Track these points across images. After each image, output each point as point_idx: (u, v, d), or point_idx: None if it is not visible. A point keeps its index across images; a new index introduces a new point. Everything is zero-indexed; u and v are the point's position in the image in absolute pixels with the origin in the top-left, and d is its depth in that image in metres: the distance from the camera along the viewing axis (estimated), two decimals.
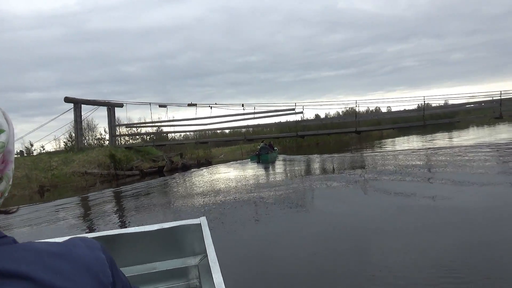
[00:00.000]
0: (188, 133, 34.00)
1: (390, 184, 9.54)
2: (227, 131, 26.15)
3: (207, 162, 26.00)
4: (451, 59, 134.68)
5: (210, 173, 19.72)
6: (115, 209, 10.38)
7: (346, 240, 5.10)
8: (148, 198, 11.53)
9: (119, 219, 8.56)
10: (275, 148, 25.27)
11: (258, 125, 23.37)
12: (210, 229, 1.59)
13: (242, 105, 22.40)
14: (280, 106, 22.29)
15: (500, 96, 18.14)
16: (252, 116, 22.47)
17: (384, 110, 24.24)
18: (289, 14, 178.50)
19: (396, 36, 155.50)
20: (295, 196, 9.01)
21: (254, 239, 5.54)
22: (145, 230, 1.58)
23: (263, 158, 21.29)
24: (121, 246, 1.57)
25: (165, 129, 26.29)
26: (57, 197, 14.23)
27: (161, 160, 24.78)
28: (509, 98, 19.14)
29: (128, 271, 1.57)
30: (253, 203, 8.63)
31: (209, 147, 34.97)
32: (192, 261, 1.71)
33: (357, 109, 20.47)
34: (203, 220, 1.69)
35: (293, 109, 21.33)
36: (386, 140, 33.86)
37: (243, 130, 24.25)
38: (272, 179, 13.55)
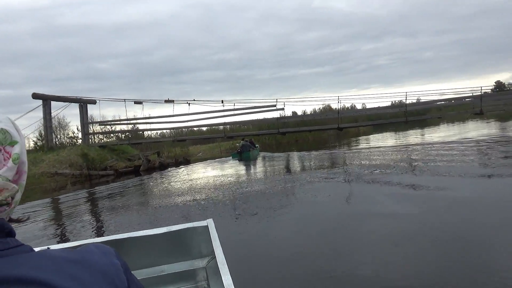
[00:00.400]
0: (164, 131, 33.05)
1: (376, 180, 9.39)
2: (205, 128, 25.37)
3: (186, 161, 25.22)
4: (422, 57, 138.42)
5: (190, 172, 19.09)
6: (88, 212, 9.60)
7: (337, 238, 5.00)
8: (123, 200, 10.84)
9: (92, 223, 7.84)
10: (256, 145, 25.12)
11: (238, 122, 22.77)
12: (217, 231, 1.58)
13: (222, 102, 21.82)
14: (261, 102, 21.85)
15: (481, 91, 18.24)
16: (232, 113, 21.92)
17: (359, 107, 24.00)
18: (265, 12, 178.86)
19: (370, 34, 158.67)
20: (281, 194, 8.72)
21: (249, 240, 5.32)
22: (153, 233, 1.60)
23: (245, 156, 21.17)
24: (129, 250, 1.57)
25: (141, 126, 25.33)
26: (24, 200, 13.24)
27: (137, 159, 23.87)
28: (489, 93, 19.34)
29: (136, 275, 1.42)
30: (239, 202, 8.26)
31: (187, 145, 34.18)
32: (200, 263, 1.72)
33: (338, 106, 20.24)
34: (210, 222, 1.70)
35: (274, 106, 20.91)
36: (363, 137, 33.88)
37: (222, 127, 23.67)
38: (254, 177, 13.10)
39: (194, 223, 1.70)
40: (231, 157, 22.88)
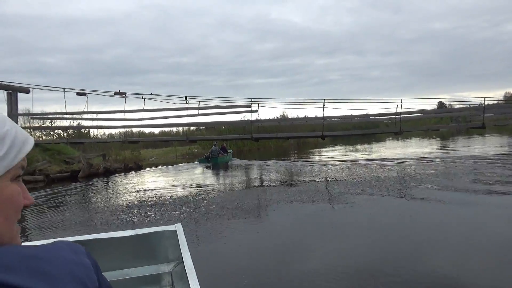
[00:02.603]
0: (113, 132, 29.07)
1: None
2: (157, 131, 21.96)
3: (137, 166, 21.41)
4: (370, 75, 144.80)
5: (142, 181, 15.84)
6: None
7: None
8: (43, 218, 8.41)
9: None
10: (229, 150, 23.93)
11: (204, 124, 19.39)
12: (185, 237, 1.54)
13: (185, 98, 18.38)
14: (231, 101, 18.66)
15: (484, 103, 16.24)
16: (196, 112, 18.57)
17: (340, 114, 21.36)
18: (222, 18, 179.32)
19: (323, 49, 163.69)
20: (253, 206, 8.30)
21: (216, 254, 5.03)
22: (119, 235, 1.58)
23: (214, 161, 20.28)
24: (93, 251, 1.24)
25: (84, 123, 21.20)
26: None
27: (77, 162, 19.80)
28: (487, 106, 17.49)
29: None
30: (207, 216, 7.49)
31: (139, 148, 30.32)
32: (166, 268, 1.69)
33: (323, 111, 17.46)
34: (178, 227, 1.69)
35: (248, 106, 17.82)
36: (322, 149, 31.86)
37: (184, 129, 20.28)
38: (222, 188, 11.63)
39: (162, 227, 1.66)
40: (198, 162, 21.61)
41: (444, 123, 29.59)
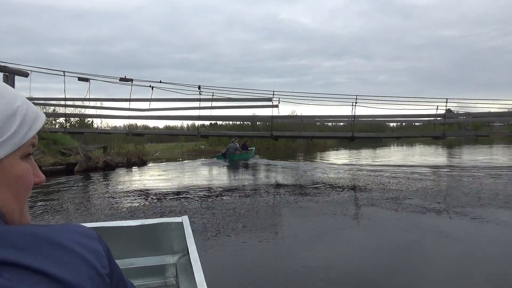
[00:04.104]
0: (117, 123, 27.27)
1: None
2: (162, 125, 20.12)
3: (141, 162, 19.48)
4: (377, 80, 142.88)
5: (147, 178, 13.88)
6: None
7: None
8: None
9: None
10: (251, 148, 23.35)
11: (218, 117, 17.34)
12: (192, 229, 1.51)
13: (199, 88, 16.39)
14: (249, 94, 16.64)
15: None
16: (210, 104, 16.59)
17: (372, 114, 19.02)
18: (231, 17, 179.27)
19: (330, 52, 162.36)
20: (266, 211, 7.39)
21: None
22: (126, 225, 1.59)
23: (230, 158, 19.92)
24: None
25: (85, 112, 19.31)
26: None
27: (74, 154, 17.93)
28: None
29: None
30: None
31: (143, 142, 28.51)
32: (171, 259, 1.71)
33: (353, 109, 15.39)
34: (185, 219, 1.70)
35: (269, 99, 15.79)
36: (330, 151, 29.90)
37: (196, 123, 18.31)
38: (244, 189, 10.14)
39: (168, 218, 1.67)
40: (215, 158, 21.24)
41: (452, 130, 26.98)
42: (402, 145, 37.59)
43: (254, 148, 24.69)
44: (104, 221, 6.46)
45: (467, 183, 10.36)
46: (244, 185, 11.16)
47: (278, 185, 11.03)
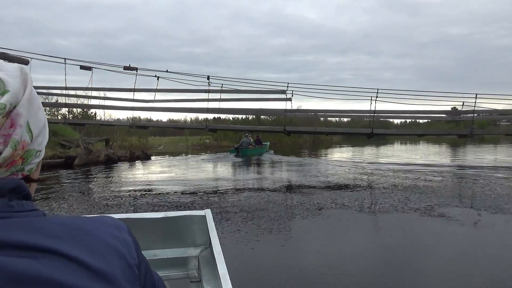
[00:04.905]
0: (120, 115, 26.58)
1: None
2: (175, 116, 19.14)
3: (144, 156, 18.53)
4: (382, 77, 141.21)
5: (153, 173, 12.89)
6: None
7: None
8: None
9: None
10: (265, 143, 22.90)
11: (228, 110, 16.27)
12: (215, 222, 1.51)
13: (208, 78, 15.38)
14: (261, 86, 15.58)
15: None
16: (219, 96, 15.58)
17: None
18: (237, 11, 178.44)
19: (337, 48, 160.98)
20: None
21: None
22: (149, 217, 1.59)
23: (243, 153, 19.49)
24: None
25: (87, 101, 18.36)
26: None
27: (75, 146, 17.02)
28: None
29: None
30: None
31: (146, 135, 27.58)
32: (193, 251, 1.69)
33: (373, 104, 14.27)
34: (208, 212, 1.68)
35: (284, 92, 14.75)
36: (335, 147, 29.40)
37: (202, 117, 17.29)
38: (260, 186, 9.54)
39: (191, 211, 1.64)
40: (229, 152, 20.84)
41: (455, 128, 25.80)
42: (406, 143, 36.58)
43: (268, 143, 24.02)
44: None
45: (477, 184, 9.33)
46: (257, 181, 10.63)
47: (293, 183, 10.26)
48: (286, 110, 14.92)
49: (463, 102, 14.59)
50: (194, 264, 1.68)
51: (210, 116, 17.97)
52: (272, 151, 22.79)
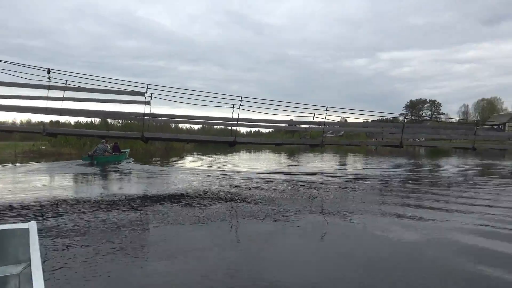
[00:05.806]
0: None
1: None
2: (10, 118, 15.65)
3: None
4: (230, 89, 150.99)
5: None
6: None
7: None
8: None
9: None
10: (124, 150, 21.24)
11: (73, 112, 13.78)
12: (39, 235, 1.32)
13: (48, 72, 12.79)
14: (116, 85, 13.80)
15: (404, 122, 15.29)
16: (62, 95, 13.14)
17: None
18: (81, 5, 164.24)
19: (188, 57, 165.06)
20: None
21: None
22: None
23: (97, 160, 18.02)
24: None
25: None
26: None
27: None
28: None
29: None
30: None
31: None
32: (13, 270, 1.53)
33: (235, 113, 14.13)
34: (32, 225, 1.55)
35: (142, 94, 13.33)
36: (188, 155, 29.60)
37: (41, 118, 14.40)
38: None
39: (13, 225, 1.50)
40: (81, 160, 18.97)
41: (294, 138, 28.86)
42: (251, 152, 38.78)
43: (128, 150, 22.21)
44: None
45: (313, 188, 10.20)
46: (104, 194, 9.26)
47: (148, 194, 9.41)
48: (145, 114, 13.55)
49: (314, 114, 15.76)
50: (14, 284, 1.51)
51: (48, 118, 15.14)
52: (132, 159, 21.03)
